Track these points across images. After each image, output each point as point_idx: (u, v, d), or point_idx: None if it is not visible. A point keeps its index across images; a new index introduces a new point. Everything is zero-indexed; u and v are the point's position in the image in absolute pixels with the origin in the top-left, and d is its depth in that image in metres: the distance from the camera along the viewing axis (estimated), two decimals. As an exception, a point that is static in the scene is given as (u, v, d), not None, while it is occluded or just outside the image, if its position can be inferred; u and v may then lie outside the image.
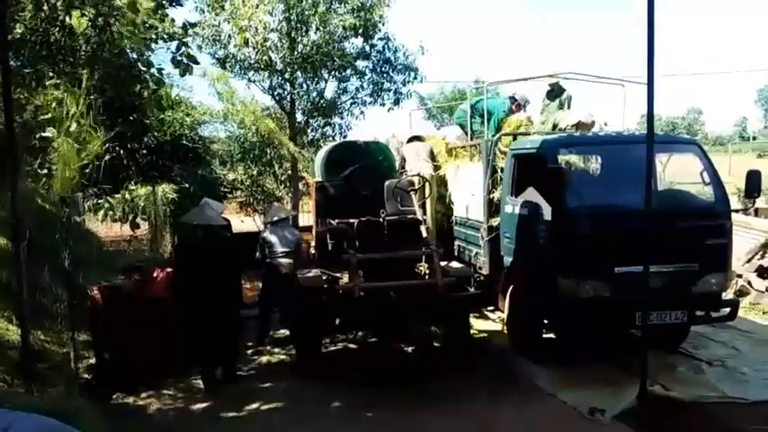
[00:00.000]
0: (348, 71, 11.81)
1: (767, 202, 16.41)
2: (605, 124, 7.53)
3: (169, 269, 6.07)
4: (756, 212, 12.51)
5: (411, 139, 8.46)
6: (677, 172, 6.65)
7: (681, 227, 5.54)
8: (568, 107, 8.30)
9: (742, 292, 8.32)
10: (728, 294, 6.29)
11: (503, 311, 6.85)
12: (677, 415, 4.75)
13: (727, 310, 5.92)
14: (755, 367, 5.94)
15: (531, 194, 5.98)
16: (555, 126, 7.59)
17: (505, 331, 6.79)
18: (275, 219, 7.31)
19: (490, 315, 7.74)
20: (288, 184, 13.18)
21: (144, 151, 6.61)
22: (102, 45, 4.88)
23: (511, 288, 6.47)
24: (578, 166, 6.71)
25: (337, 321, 6.15)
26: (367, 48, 11.75)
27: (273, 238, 7.01)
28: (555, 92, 8.40)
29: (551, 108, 8.36)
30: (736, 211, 6.95)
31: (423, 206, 7.14)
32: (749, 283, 8.47)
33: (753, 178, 6.09)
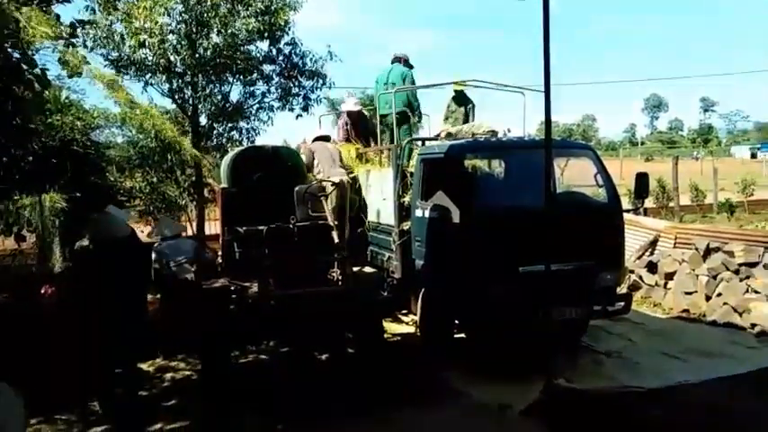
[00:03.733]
0: (254, 75, 11.51)
1: (655, 202, 17.76)
2: (508, 130, 7.81)
3: (60, 285, 5.62)
4: (645, 212, 13.48)
5: (318, 138, 8.37)
6: (574, 175, 7.00)
7: (578, 227, 5.83)
8: (473, 117, 8.55)
9: (634, 287, 8.88)
10: (623, 289, 6.70)
11: (415, 314, 6.92)
12: (580, 405, 4.97)
13: (622, 303, 6.28)
14: (649, 357, 6.36)
15: (441, 198, 6.08)
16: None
17: (418, 334, 6.86)
18: (166, 234, 7.12)
19: (403, 318, 7.78)
20: (192, 191, 12.64)
21: (30, 158, 6.07)
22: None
23: (423, 291, 6.54)
24: (483, 170, 6.93)
25: (247, 331, 5.94)
26: (273, 52, 11.52)
27: (168, 250, 6.78)
28: (460, 99, 8.62)
29: (458, 114, 8.56)
30: (628, 211, 7.40)
31: (334, 211, 7.07)
32: (640, 277, 9.04)
33: (641, 180, 6.52)
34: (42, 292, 5.57)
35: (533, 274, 5.30)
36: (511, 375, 5.64)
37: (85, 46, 9.75)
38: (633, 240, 9.58)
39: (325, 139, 8.39)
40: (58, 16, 4.90)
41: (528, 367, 5.60)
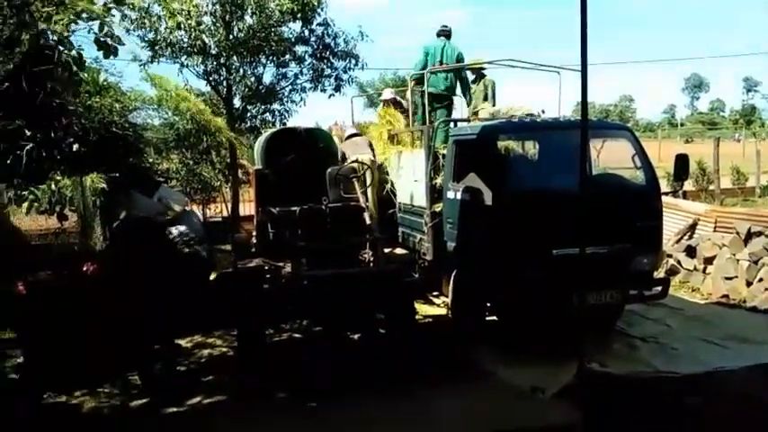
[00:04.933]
0: (287, 56, 11.56)
1: (694, 185, 17.29)
2: (542, 111, 7.67)
3: (100, 262, 5.79)
4: (684, 195, 13.13)
5: (349, 137, 8.38)
6: (610, 157, 6.86)
7: (615, 209, 5.72)
8: (492, 96, 8.36)
9: (672, 271, 8.71)
10: (660, 273, 6.57)
11: (447, 296, 6.92)
12: (614, 390, 4.93)
13: (659, 288, 6.16)
14: (686, 342, 6.25)
15: (473, 180, 6.03)
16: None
17: (450, 315, 6.87)
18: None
19: (435, 300, 7.80)
20: (226, 172, 12.83)
21: (70, 139, 6.24)
22: (21, 26, 4.55)
23: (454, 273, 6.53)
24: (517, 152, 6.84)
25: (281, 311, 6.04)
26: (306, 33, 11.53)
27: (183, 229, 6.87)
28: (477, 78, 8.41)
29: (477, 94, 8.39)
30: (666, 193, 7.22)
31: (365, 193, 7.09)
32: (678, 262, 8.86)
33: (681, 162, 6.34)
34: (84, 269, 5.74)
35: (568, 257, 5.23)
36: (543, 359, 5.60)
37: (128, 31, 9.92)
38: (672, 224, 9.36)
39: (357, 135, 8.39)
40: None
41: (560, 351, 5.55)
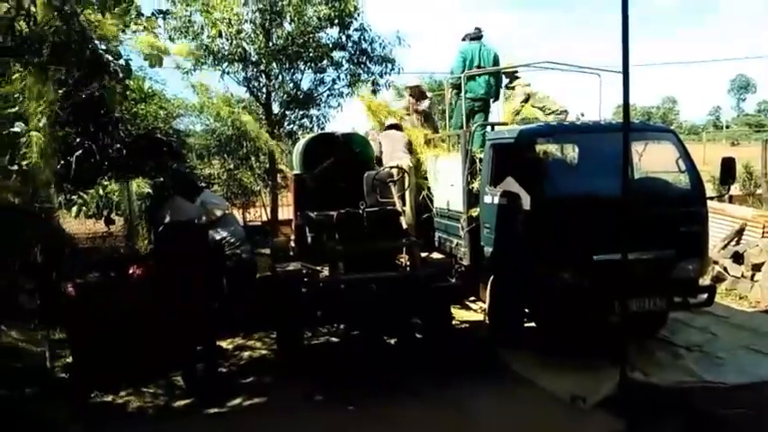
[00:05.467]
0: (324, 62, 11.68)
1: (741, 189, 16.75)
2: (582, 114, 7.56)
3: (146, 265, 5.96)
4: (731, 199, 12.73)
5: (388, 127, 8.40)
6: (653, 161, 6.71)
7: (658, 214, 5.60)
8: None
9: (718, 278, 8.46)
10: (705, 280, 6.39)
11: (484, 302, 6.87)
12: (657, 400, 4.81)
13: (705, 295, 5.99)
14: (732, 352, 6.05)
15: (510, 184, 5.98)
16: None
17: (487, 321, 6.82)
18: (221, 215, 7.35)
19: (471, 305, 7.75)
20: (265, 177, 13.03)
21: (117, 145, 6.46)
22: (70, 35, 4.73)
23: (491, 278, 6.48)
24: (556, 156, 6.76)
25: (319, 314, 6.10)
26: (343, 38, 11.64)
27: (224, 232, 7.04)
28: (511, 80, 8.29)
29: (515, 98, 8.27)
30: (712, 198, 7.04)
31: (402, 198, 7.11)
32: (725, 269, 8.61)
33: (728, 165, 6.16)
34: (131, 272, 5.92)
35: (609, 263, 5.14)
36: (583, 367, 5.50)
37: (171, 39, 10.20)
38: (717, 229, 9.10)
39: (396, 127, 8.40)
40: (138, 10, 5.16)
41: (601, 359, 5.46)
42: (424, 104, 9.01)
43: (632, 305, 5.40)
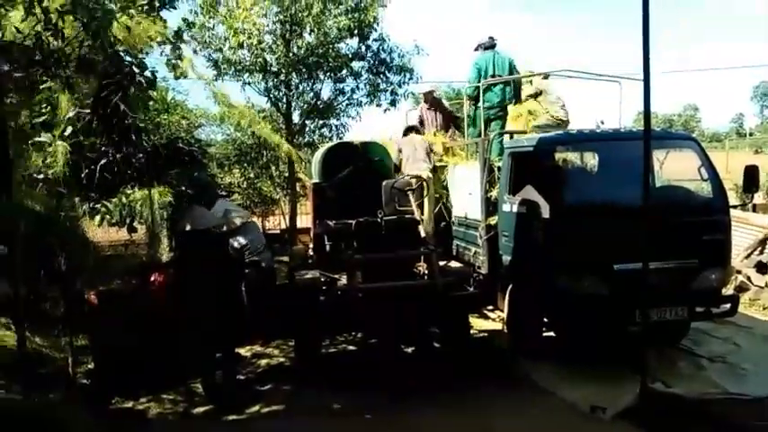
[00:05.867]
0: (344, 72, 11.79)
1: (765, 197, 16.44)
2: (602, 122, 7.51)
3: (167, 273, 6.05)
4: (754, 208, 12.51)
5: (408, 131, 8.42)
6: (674, 169, 6.64)
7: (679, 223, 5.54)
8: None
9: (741, 288, 8.32)
10: (728, 290, 6.29)
11: (502, 311, 6.83)
12: (679, 412, 4.73)
13: (728, 305, 5.91)
14: (756, 363, 5.94)
15: (529, 192, 5.96)
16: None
17: (505, 330, 6.78)
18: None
19: (490, 314, 7.71)
20: (285, 186, 13.14)
21: (140, 155, 6.58)
22: (96, 49, 4.85)
23: (510, 287, 6.45)
24: (575, 164, 6.72)
25: (336, 323, 6.12)
26: (362, 48, 11.74)
27: (243, 240, 7.09)
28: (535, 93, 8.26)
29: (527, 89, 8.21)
30: (735, 206, 6.92)
31: (420, 206, 7.11)
32: (748, 278, 8.47)
33: (751, 173, 6.08)
34: (152, 279, 6.01)
35: (630, 272, 5.09)
36: (603, 377, 5.44)
37: (195, 51, 10.39)
38: (741, 238, 8.95)
39: (414, 130, 8.41)
40: (164, 21, 5.27)
41: (622, 369, 5.39)
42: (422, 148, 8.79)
43: (653, 315, 5.35)
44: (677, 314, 5.68)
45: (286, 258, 8.43)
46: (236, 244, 6.70)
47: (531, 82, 8.10)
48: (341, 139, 12.30)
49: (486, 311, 7.75)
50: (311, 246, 7.68)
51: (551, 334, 6.57)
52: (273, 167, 13.11)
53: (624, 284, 5.24)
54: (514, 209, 6.21)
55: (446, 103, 9.39)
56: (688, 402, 4.79)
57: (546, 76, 8.12)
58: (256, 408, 5.34)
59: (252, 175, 12.91)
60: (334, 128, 12.76)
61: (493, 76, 7.92)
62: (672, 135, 9.07)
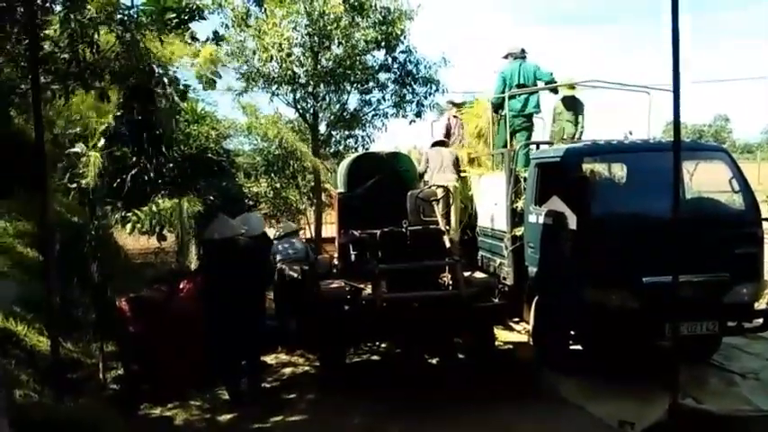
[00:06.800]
0: (370, 84, 11.86)
1: (800, 210, 16.00)
2: (630, 132, 7.43)
3: (195, 281, 6.14)
4: (789, 221, 12.16)
5: (435, 144, 8.46)
6: (705, 180, 6.53)
7: (710, 236, 5.44)
8: (582, 121, 8.18)
9: (775, 303, 8.08)
10: (761, 305, 6.14)
11: (528, 323, 6.77)
12: (709, 429, 4.62)
13: (760, 320, 5.78)
14: (791, 380, 5.77)
15: (556, 203, 5.92)
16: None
17: (531, 343, 6.71)
18: (282, 234, 7.76)
19: (515, 326, 7.64)
20: (311, 196, 13.24)
21: (170, 165, 6.72)
22: (130, 61, 4.99)
23: (536, 299, 6.39)
24: (603, 175, 6.65)
25: (361, 332, 6.13)
26: (389, 60, 11.81)
27: (279, 248, 7.35)
28: (569, 103, 8.25)
29: (567, 117, 8.22)
30: (767, 219, 6.77)
31: (445, 216, 7.11)
32: (783, 293, 8.22)
33: (784, 185, 5.95)
34: (181, 287, 6.10)
35: (660, 285, 5.01)
36: (632, 392, 5.34)
37: (224, 64, 10.55)
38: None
39: (443, 144, 8.45)
40: (194, 35, 5.41)
41: (651, 384, 5.29)
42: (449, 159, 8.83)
43: (684, 329, 5.25)
44: (708, 329, 5.57)
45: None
46: (269, 253, 6.81)
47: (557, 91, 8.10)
48: (366, 149, 12.36)
49: (511, 323, 7.68)
50: (336, 255, 7.72)
51: (578, 347, 6.48)
52: (300, 177, 13.21)
53: (654, 298, 5.16)
54: (541, 220, 6.17)
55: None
56: (719, 419, 4.67)
57: (572, 87, 8.10)
58: (280, 416, 5.37)
59: (278, 185, 13.03)
60: (359, 138, 12.84)
61: (518, 85, 7.93)
62: (702, 146, 8.92)
